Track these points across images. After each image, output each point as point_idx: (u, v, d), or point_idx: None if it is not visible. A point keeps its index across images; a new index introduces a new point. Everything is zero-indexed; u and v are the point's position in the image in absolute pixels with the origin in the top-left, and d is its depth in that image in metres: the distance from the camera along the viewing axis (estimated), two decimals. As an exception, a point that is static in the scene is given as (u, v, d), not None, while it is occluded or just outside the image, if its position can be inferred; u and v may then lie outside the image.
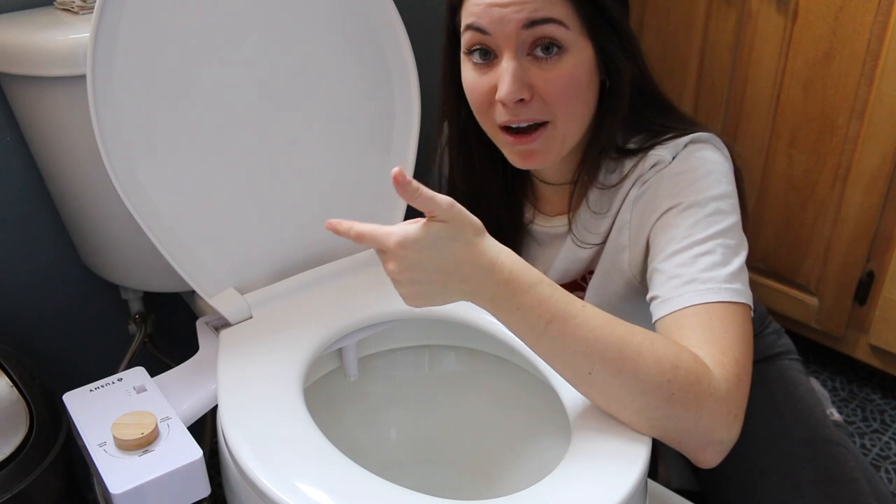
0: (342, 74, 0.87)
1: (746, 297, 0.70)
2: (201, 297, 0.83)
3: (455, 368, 0.95)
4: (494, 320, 0.80)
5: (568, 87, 0.75)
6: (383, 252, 0.62)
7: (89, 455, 0.66)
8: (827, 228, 1.23)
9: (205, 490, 0.67)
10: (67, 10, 0.89)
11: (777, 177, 1.26)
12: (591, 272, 0.87)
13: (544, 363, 0.67)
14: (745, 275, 0.72)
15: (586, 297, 0.87)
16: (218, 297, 0.83)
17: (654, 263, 0.75)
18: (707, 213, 0.73)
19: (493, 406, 0.94)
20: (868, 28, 1.07)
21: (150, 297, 1.06)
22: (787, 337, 1.06)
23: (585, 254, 0.86)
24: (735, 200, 0.76)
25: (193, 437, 0.67)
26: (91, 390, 0.73)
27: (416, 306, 0.63)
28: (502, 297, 0.62)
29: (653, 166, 0.78)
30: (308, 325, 0.82)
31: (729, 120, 1.29)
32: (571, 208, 0.86)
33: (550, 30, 0.72)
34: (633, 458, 0.62)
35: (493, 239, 0.64)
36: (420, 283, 0.62)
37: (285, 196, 0.87)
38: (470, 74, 0.78)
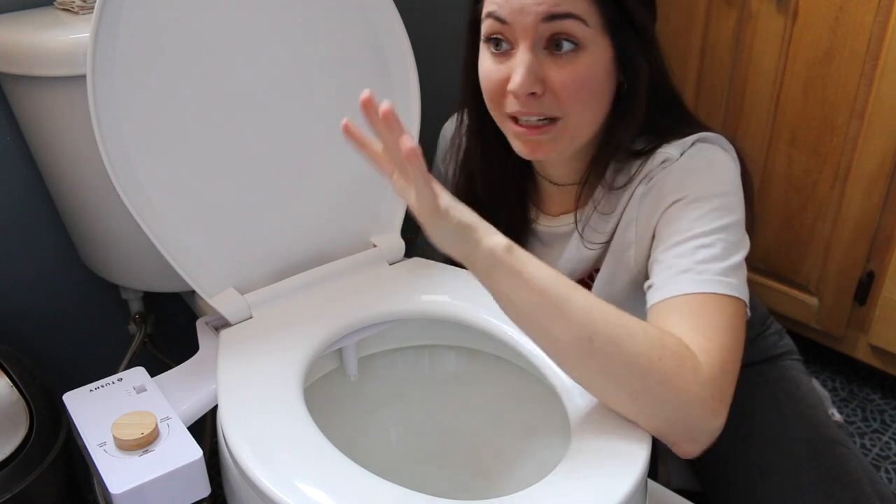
0: (342, 75, 0.87)
1: (741, 293, 0.70)
2: (201, 297, 0.83)
3: (455, 368, 0.95)
4: (495, 320, 0.81)
5: (582, 85, 0.74)
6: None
7: (89, 455, 0.66)
8: (827, 228, 1.23)
9: (205, 490, 0.67)
10: (67, 10, 0.89)
11: (777, 177, 1.26)
12: (597, 270, 0.87)
13: (544, 363, 0.67)
14: (743, 272, 0.72)
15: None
16: (218, 297, 0.83)
17: (654, 254, 0.75)
18: (711, 208, 0.73)
19: (492, 406, 0.94)
20: (868, 28, 1.07)
21: (150, 297, 1.06)
22: (789, 337, 1.06)
23: (592, 253, 0.86)
24: (739, 199, 0.76)
25: (193, 437, 0.67)
26: (91, 390, 0.73)
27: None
28: (512, 254, 0.63)
29: (661, 163, 0.78)
30: (308, 325, 0.82)
31: (729, 120, 1.29)
32: (577, 208, 0.86)
33: (569, 26, 0.72)
34: (633, 459, 0.62)
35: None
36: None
37: (285, 196, 0.87)
38: (486, 62, 0.78)
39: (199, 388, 0.76)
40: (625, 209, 0.81)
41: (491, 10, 0.74)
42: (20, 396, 0.76)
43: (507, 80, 0.75)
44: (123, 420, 0.67)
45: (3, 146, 0.93)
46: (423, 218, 0.62)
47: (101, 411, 0.70)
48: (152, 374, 0.76)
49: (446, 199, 0.62)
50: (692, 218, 0.73)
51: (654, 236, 0.78)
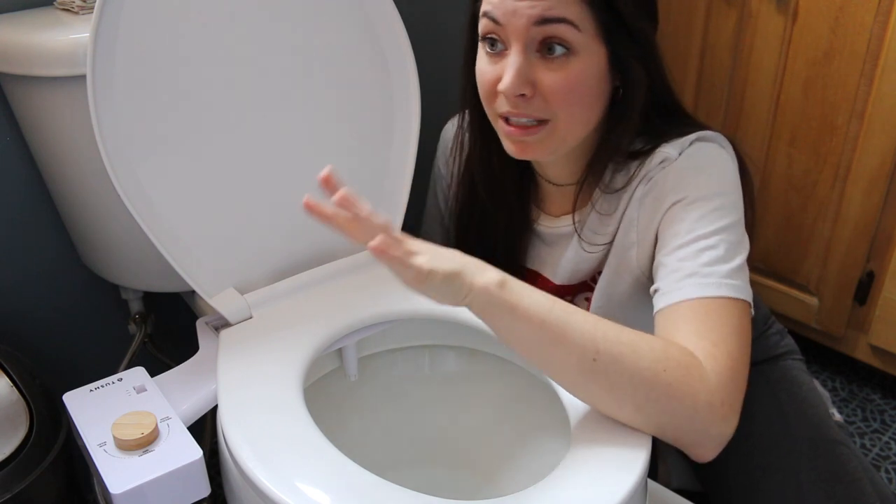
0: (342, 74, 0.87)
1: (746, 294, 0.70)
2: (201, 297, 0.83)
3: (455, 368, 0.95)
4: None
5: (572, 89, 0.74)
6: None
7: (89, 455, 0.66)
8: (827, 228, 1.23)
9: (205, 490, 0.67)
10: (67, 10, 0.89)
11: (777, 177, 1.26)
12: (600, 272, 0.87)
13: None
14: (746, 272, 0.73)
15: (595, 296, 0.87)
16: (218, 297, 0.83)
17: (658, 256, 0.75)
18: (712, 209, 0.73)
19: (493, 406, 0.94)
20: (868, 28, 1.07)
21: (150, 297, 1.06)
22: (790, 337, 1.06)
23: (594, 255, 0.86)
24: (739, 197, 0.77)
25: (193, 437, 0.67)
26: (91, 390, 0.73)
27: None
28: (506, 289, 0.63)
29: (660, 163, 0.78)
30: (308, 325, 0.82)
31: (729, 120, 1.29)
32: (576, 209, 0.86)
33: (561, 30, 0.72)
34: (633, 459, 0.62)
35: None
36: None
37: (285, 196, 0.87)
38: (482, 61, 0.78)
39: (199, 388, 0.76)
40: (625, 210, 0.81)
41: (486, 10, 0.75)
42: (20, 396, 0.76)
43: (499, 79, 0.75)
44: (123, 420, 0.67)
45: (3, 146, 0.93)
46: (412, 289, 0.61)
47: (101, 411, 0.70)
48: (152, 374, 0.76)
49: (424, 259, 0.60)
50: (694, 219, 0.73)
51: (656, 238, 0.78)
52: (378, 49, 0.89)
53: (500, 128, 0.79)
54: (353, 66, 0.88)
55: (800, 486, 0.85)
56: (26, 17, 0.88)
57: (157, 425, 0.67)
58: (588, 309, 0.89)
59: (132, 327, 1.06)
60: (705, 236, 0.72)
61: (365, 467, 0.62)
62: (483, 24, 0.76)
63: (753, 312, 0.72)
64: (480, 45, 0.79)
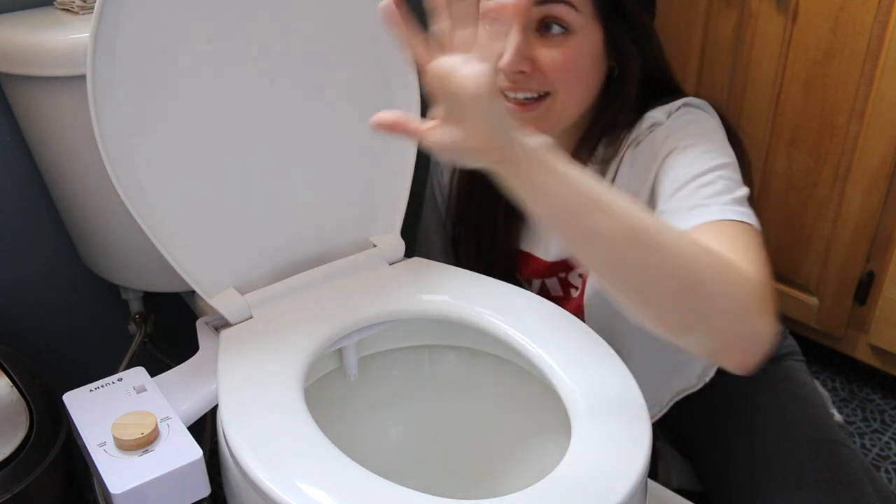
0: (342, 75, 0.87)
1: (755, 222, 0.68)
2: (201, 297, 0.83)
3: (455, 368, 0.95)
4: (494, 320, 0.81)
5: (569, 65, 0.77)
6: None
7: (89, 455, 0.66)
8: (827, 228, 1.23)
9: (205, 490, 0.67)
10: (67, 10, 0.89)
11: (777, 177, 1.26)
12: None
13: (545, 363, 0.67)
14: (751, 207, 0.70)
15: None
16: (218, 297, 0.83)
17: (659, 207, 0.75)
18: (703, 151, 0.74)
19: (493, 406, 0.94)
20: (868, 28, 1.07)
21: (150, 297, 1.06)
22: (792, 338, 1.06)
23: None
24: (730, 152, 0.76)
25: (193, 437, 0.67)
26: (91, 390, 0.73)
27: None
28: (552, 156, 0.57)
29: (648, 127, 0.80)
30: (308, 325, 0.82)
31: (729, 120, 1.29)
32: None
33: (560, 10, 0.75)
34: (632, 459, 0.62)
35: None
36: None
37: (285, 196, 0.87)
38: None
39: (199, 388, 0.76)
40: (615, 176, 0.83)
41: None
42: (20, 396, 0.76)
43: (499, 57, 0.77)
44: (123, 420, 0.67)
45: (3, 146, 0.93)
46: (479, 90, 0.54)
47: (101, 411, 0.70)
48: (152, 374, 0.76)
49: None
50: (687, 162, 0.74)
51: (651, 195, 0.78)
52: (378, 49, 0.89)
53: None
54: (353, 66, 0.88)
55: (800, 487, 0.85)
56: (26, 17, 0.88)
57: (157, 425, 0.67)
58: (584, 287, 0.89)
59: (132, 327, 1.06)
60: (701, 174, 0.72)
61: (365, 467, 0.62)
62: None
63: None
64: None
